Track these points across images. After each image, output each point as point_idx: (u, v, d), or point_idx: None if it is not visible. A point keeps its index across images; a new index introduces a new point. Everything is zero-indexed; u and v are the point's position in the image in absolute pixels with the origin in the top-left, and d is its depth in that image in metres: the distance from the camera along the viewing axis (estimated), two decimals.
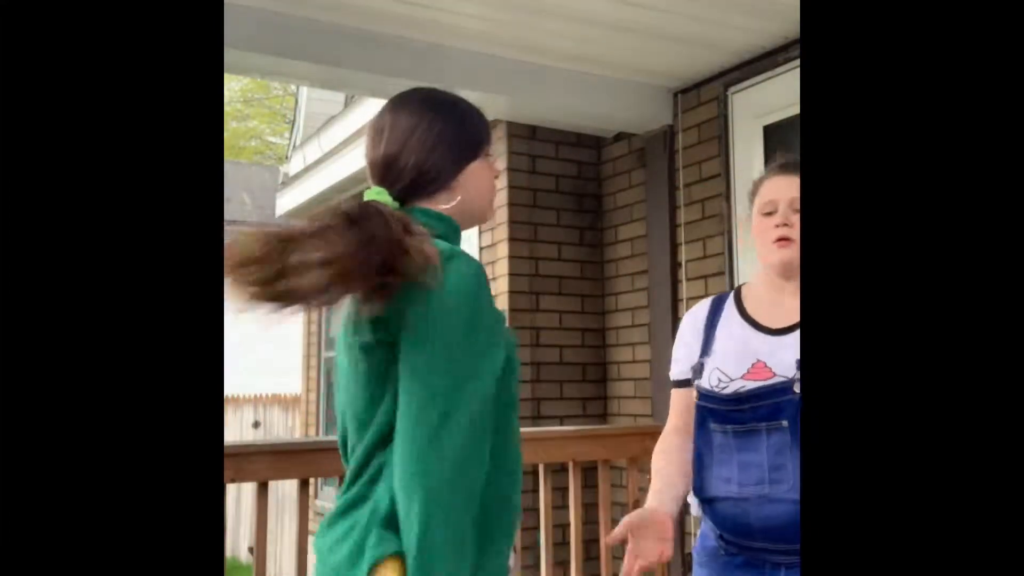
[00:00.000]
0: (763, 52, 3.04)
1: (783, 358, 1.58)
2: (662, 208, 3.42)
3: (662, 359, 3.40)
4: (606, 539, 1.59)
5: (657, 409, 3.41)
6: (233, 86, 18.42)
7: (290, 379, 8.26)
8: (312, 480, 2.79)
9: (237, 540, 8.66)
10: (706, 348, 1.72)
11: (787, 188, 1.66)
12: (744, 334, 1.68)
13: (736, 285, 1.81)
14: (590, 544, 3.10)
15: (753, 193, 1.76)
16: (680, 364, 1.79)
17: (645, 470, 3.29)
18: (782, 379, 1.56)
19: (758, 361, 1.62)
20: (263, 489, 2.33)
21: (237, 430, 9.21)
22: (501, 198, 3.72)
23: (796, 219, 1.64)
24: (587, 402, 3.71)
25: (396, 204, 1.37)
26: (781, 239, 1.64)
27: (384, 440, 1.27)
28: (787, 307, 1.66)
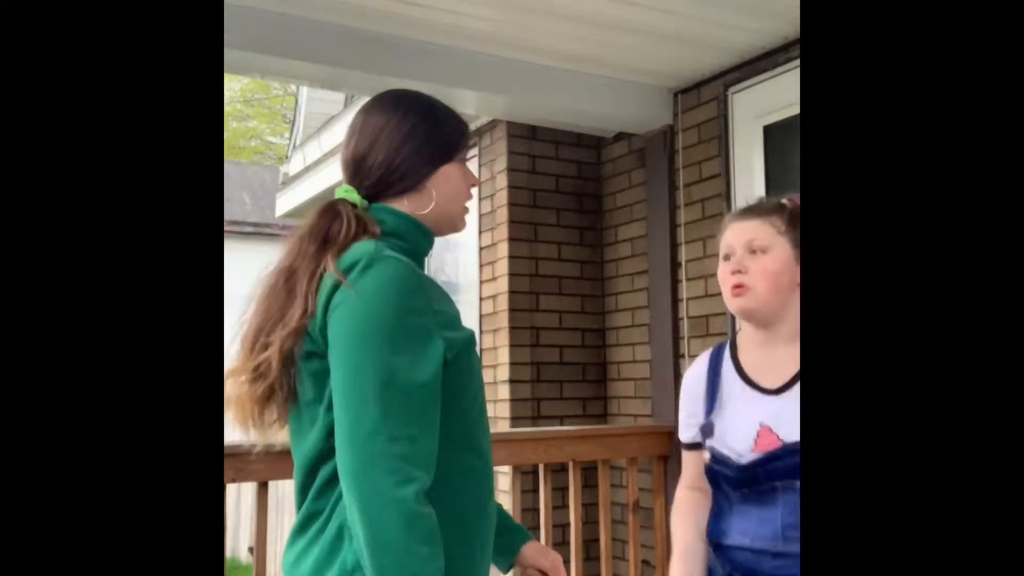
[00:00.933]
0: (763, 52, 3.04)
1: (788, 420, 1.53)
2: (662, 208, 3.42)
3: (662, 359, 3.40)
4: None
5: (657, 409, 3.41)
6: (233, 86, 18.42)
7: None
8: None
9: (237, 540, 8.65)
10: (711, 406, 1.67)
11: (742, 232, 1.62)
12: (744, 397, 1.63)
13: (733, 334, 1.76)
14: (590, 544, 3.10)
15: (718, 241, 1.71)
16: (688, 427, 1.75)
17: (645, 469, 3.30)
18: (791, 443, 1.51)
19: (762, 427, 1.56)
20: (263, 489, 2.33)
21: (237, 430, 9.19)
22: (501, 198, 3.72)
23: (751, 263, 1.59)
24: (587, 402, 3.71)
25: (364, 203, 1.36)
26: (736, 287, 1.59)
27: (323, 453, 1.25)
28: (778, 360, 1.60)
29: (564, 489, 2.96)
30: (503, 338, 3.61)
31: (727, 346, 1.74)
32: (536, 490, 2.88)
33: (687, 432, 1.76)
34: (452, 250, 4.38)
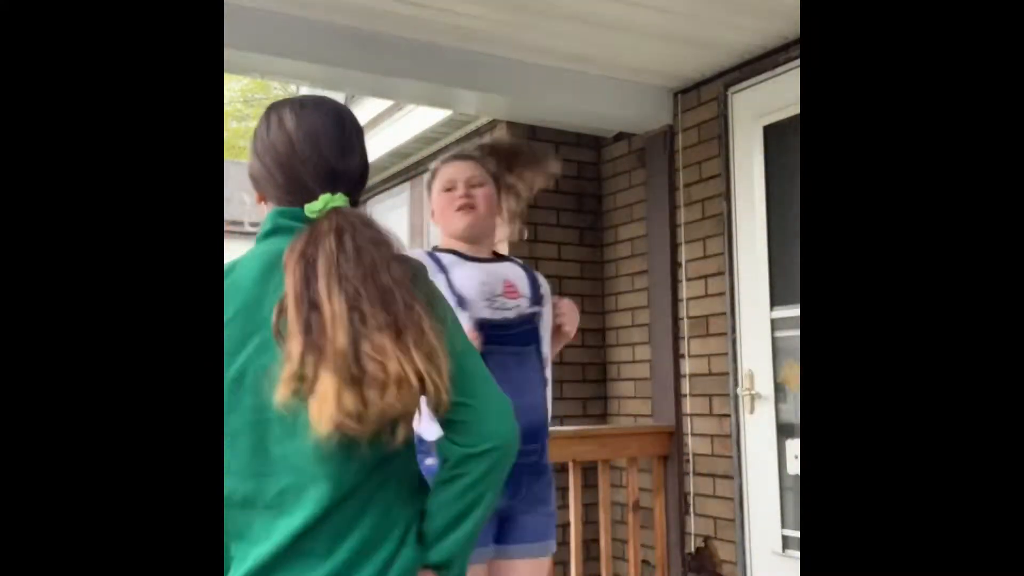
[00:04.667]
0: (763, 52, 3.04)
1: (517, 278, 1.87)
2: (662, 208, 3.42)
3: (662, 359, 3.40)
4: None
5: (657, 409, 3.41)
6: (233, 86, 18.40)
7: None
8: None
9: None
10: (451, 290, 1.85)
11: (463, 170, 1.95)
12: (478, 267, 1.89)
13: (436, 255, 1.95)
14: (590, 544, 3.10)
15: (432, 179, 2.01)
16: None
17: (645, 469, 3.30)
18: (524, 300, 1.85)
19: (506, 280, 1.87)
20: None
21: None
22: None
23: (476, 192, 1.91)
24: (587, 402, 3.71)
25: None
26: (463, 206, 1.89)
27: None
28: (485, 248, 1.94)
29: (564, 489, 2.96)
30: None
31: (433, 256, 1.92)
32: None
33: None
34: None
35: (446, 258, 1.93)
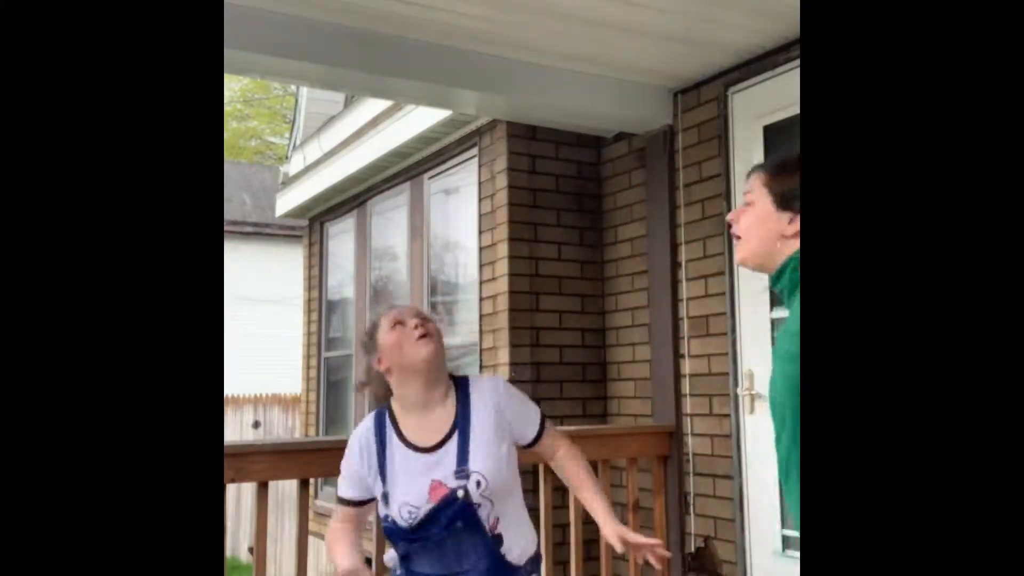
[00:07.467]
0: (763, 52, 3.04)
1: (446, 472, 1.83)
2: (662, 208, 3.42)
3: (662, 359, 3.40)
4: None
5: (657, 409, 3.41)
6: (233, 86, 18.42)
7: (290, 379, 8.26)
8: (312, 480, 2.78)
9: (237, 540, 8.66)
10: (383, 473, 1.90)
11: (409, 311, 1.95)
12: (408, 460, 1.88)
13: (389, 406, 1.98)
14: (590, 544, 3.10)
15: (373, 331, 1.97)
16: (352, 485, 1.95)
17: (645, 469, 3.30)
18: (451, 490, 1.82)
19: (433, 481, 1.84)
20: (263, 489, 2.34)
21: (237, 430, 9.21)
22: (501, 198, 3.72)
23: (430, 325, 1.91)
24: (587, 402, 3.71)
25: None
26: (422, 336, 1.87)
27: None
28: (433, 422, 1.89)
29: (564, 489, 2.95)
30: (503, 338, 3.61)
31: (386, 414, 1.96)
32: (536, 490, 2.88)
33: (351, 490, 1.97)
34: (452, 250, 4.37)
35: (389, 426, 1.94)
